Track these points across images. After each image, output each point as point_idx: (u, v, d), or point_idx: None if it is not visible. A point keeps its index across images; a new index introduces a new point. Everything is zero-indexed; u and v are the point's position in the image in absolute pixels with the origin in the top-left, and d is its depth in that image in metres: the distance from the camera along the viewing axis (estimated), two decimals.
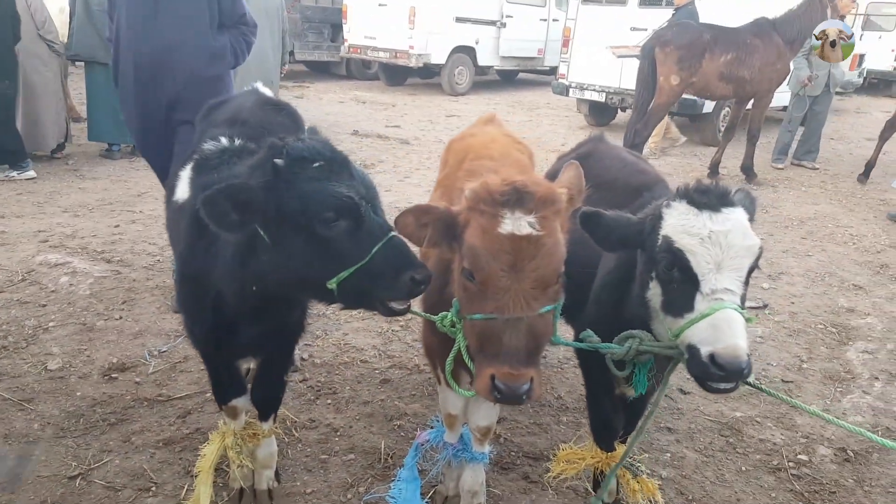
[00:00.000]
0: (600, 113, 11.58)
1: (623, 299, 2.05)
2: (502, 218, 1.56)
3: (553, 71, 13.58)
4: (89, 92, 7.23)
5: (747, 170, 8.14)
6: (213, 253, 2.00)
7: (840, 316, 4.64)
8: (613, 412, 2.42)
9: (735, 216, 1.68)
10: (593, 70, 10.54)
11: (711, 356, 1.56)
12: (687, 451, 3.08)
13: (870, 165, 8.30)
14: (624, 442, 2.52)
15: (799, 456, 3.09)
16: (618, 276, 2.12)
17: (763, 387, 1.83)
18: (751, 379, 1.68)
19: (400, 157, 8.35)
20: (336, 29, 14.87)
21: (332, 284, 1.76)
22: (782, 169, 8.95)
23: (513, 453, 2.95)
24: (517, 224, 1.56)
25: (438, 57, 13.73)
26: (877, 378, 3.85)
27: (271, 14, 7.66)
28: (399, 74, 14.98)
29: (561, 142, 9.80)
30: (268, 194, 1.74)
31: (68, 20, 7.22)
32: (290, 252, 1.78)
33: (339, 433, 3.00)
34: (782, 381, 3.75)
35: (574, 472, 2.45)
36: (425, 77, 15.53)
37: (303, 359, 3.54)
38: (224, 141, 2.18)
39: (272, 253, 1.80)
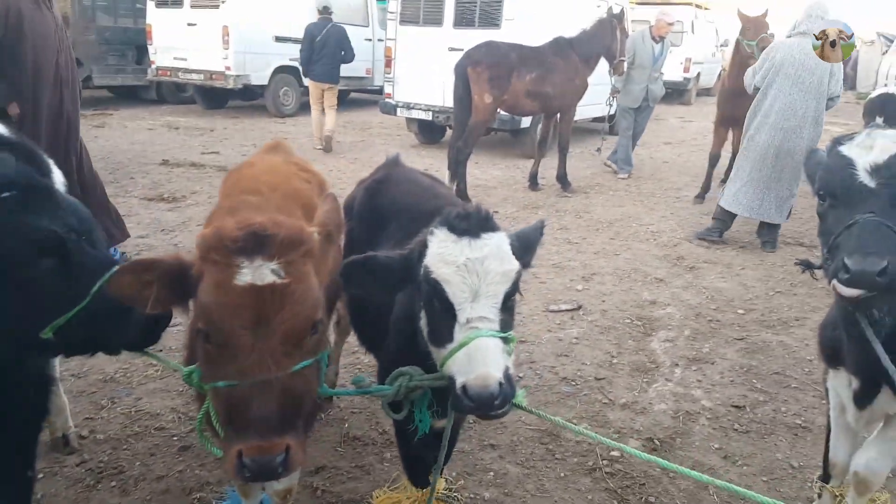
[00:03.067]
0: (429, 131, 11.78)
1: (416, 330, 1.97)
2: (239, 267, 1.37)
3: (382, 90, 13.63)
4: None
5: (562, 179, 8.68)
6: None
7: (644, 309, 5.02)
8: (423, 447, 2.32)
9: (494, 241, 1.66)
10: (418, 89, 10.69)
11: (463, 387, 1.52)
12: (509, 466, 3.08)
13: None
14: (441, 474, 2.44)
15: (612, 453, 3.22)
16: (409, 306, 2.04)
17: (533, 409, 1.82)
18: (522, 401, 1.66)
19: (217, 187, 7.73)
20: (141, 50, 13.67)
21: (47, 334, 1.53)
22: (626, 178, 9.53)
23: None
24: (257, 273, 1.37)
25: (259, 78, 13.16)
26: (677, 364, 4.19)
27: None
28: (218, 97, 14.12)
29: None
30: None
31: None
32: None
33: None
34: (595, 378, 3.93)
35: None
36: (249, 99, 14.81)
37: (81, 437, 3.02)
38: None
39: None
